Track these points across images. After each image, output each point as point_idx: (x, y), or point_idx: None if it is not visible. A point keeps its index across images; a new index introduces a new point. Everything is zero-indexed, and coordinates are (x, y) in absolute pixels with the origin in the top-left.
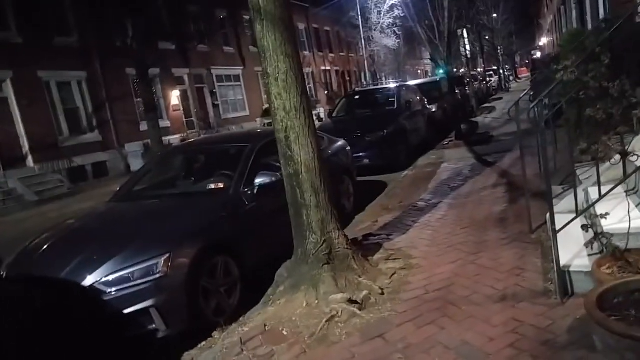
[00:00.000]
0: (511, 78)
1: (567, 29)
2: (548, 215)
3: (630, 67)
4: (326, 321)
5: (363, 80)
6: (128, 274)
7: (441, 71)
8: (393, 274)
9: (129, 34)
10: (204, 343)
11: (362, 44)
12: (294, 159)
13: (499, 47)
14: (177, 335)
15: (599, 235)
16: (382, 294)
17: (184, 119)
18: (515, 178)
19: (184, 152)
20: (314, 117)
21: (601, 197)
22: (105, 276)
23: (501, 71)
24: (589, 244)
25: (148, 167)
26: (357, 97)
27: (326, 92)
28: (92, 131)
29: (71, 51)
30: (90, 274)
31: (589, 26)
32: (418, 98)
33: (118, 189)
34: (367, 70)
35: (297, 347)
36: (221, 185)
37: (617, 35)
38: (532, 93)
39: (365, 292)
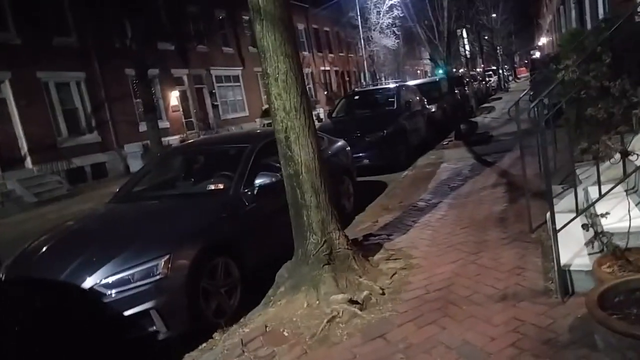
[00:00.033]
0: (510, 78)
1: (567, 28)
2: (548, 214)
3: (630, 67)
4: (327, 322)
5: (362, 81)
6: (128, 275)
7: (440, 71)
8: (394, 274)
9: (128, 35)
10: (204, 344)
11: (361, 44)
12: (294, 159)
13: (498, 47)
14: (178, 337)
15: (599, 234)
16: (383, 294)
17: (183, 120)
18: (514, 178)
19: (183, 153)
20: (314, 118)
21: (601, 196)
22: (105, 278)
23: (500, 71)
24: (589, 243)
25: (147, 168)
26: (356, 97)
27: (325, 93)
28: (91, 132)
29: (70, 52)
30: (90, 275)
31: (588, 26)
32: (417, 98)
33: (117, 190)
34: (366, 71)
35: (298, 347)
36: (221, 186)
37: (617, 35)
38: (531, 93)
39: (366, 293)
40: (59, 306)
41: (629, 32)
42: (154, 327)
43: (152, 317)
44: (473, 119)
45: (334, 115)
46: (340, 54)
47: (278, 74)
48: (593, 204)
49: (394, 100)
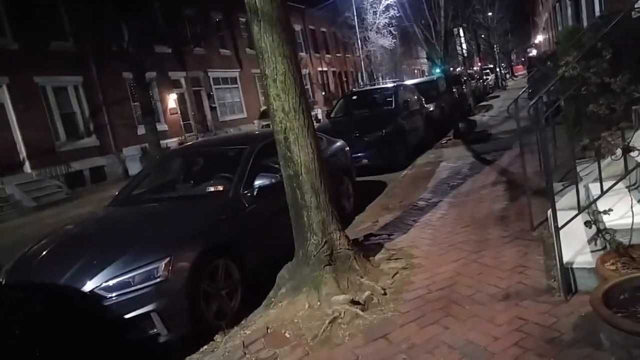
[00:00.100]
0: (507, 76)
1: (563, 26)
2: (549, 212)
3: (630, 63)
4: (329, 323)
5: (360, 81)
6: (128, 278)
7: (438, 70)
8: (395, 274)
9: (125, 38)
10: (206, 347)
11: (358, 45)
12: (293, 160)
13: (495, 45)
14: (179, 339)
15: (602, 231)
16: (385, 294)
17: (182, 122)
18: (514, 176)
19: (182, 155)
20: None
21: (603, 193)
22: (106, 281)
23: (498, 69)
24: (591, 240)
25: (146, 171)
26: (354, 97)
27: (323, 93)
28: (89, 136)
29: (67, 56)
30: (90, 279)
31: (585, 23)
32: (415, 97)
33: (117, 193)
34: (364, 71)
35: (300, 349)
36: (220, 188)
37: (615, 32)
38: (530, 90)
39: (367, 293)
40: (60, 310)
41: (628, 28)
42: (155, 330)
43: (153, 320)
44: (471, 118)
45: (332, 115)
46: (338, 55)
47: (276, 74)
48: (595, 200)
49: (392, 100)
